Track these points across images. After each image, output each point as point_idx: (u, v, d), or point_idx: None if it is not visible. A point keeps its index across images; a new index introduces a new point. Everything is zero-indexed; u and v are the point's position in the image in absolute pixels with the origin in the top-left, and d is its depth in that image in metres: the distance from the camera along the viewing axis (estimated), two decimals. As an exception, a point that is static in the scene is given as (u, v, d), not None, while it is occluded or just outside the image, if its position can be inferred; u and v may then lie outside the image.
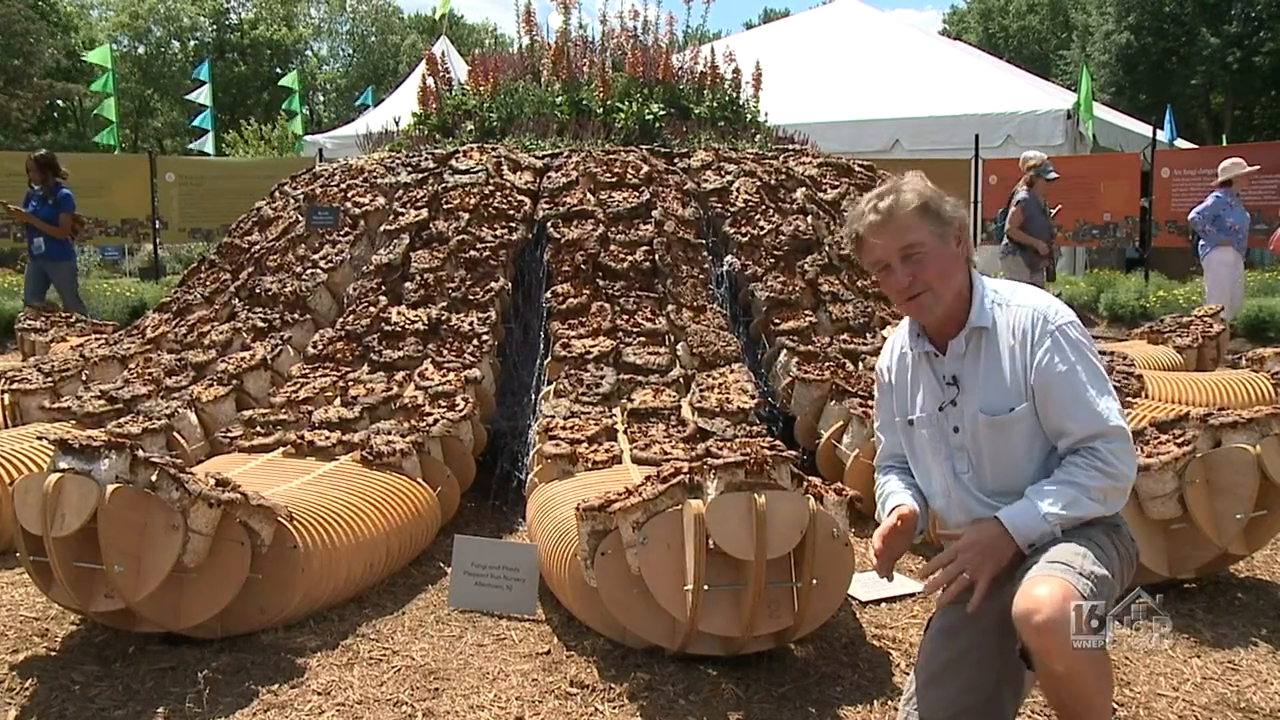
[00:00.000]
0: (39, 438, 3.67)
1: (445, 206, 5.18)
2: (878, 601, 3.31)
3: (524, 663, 2.86)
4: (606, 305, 4.76)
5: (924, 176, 2.19)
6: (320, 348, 4.74)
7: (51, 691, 2.68)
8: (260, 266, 5.44)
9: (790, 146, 6.39)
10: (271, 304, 5.13)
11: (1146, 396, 4.68)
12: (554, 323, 4.69)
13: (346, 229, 5.31)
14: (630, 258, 4.93)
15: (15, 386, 4.68)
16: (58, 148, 30.87)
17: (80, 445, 2.75)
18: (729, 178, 5.44)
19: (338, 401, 4.33)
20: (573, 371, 4.39)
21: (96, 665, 2.82)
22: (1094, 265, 14.29)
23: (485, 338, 4.59)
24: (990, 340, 2.13)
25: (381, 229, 5.21)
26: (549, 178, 5.36)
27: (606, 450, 3.74)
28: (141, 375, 4.85)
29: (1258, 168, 9.24)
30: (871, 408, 4.19)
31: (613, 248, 4.97)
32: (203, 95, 17.90)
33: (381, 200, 5.36)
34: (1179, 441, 3.19)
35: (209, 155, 17.84)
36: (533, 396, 4.55)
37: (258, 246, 5.60)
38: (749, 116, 6.65)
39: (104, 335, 6.39)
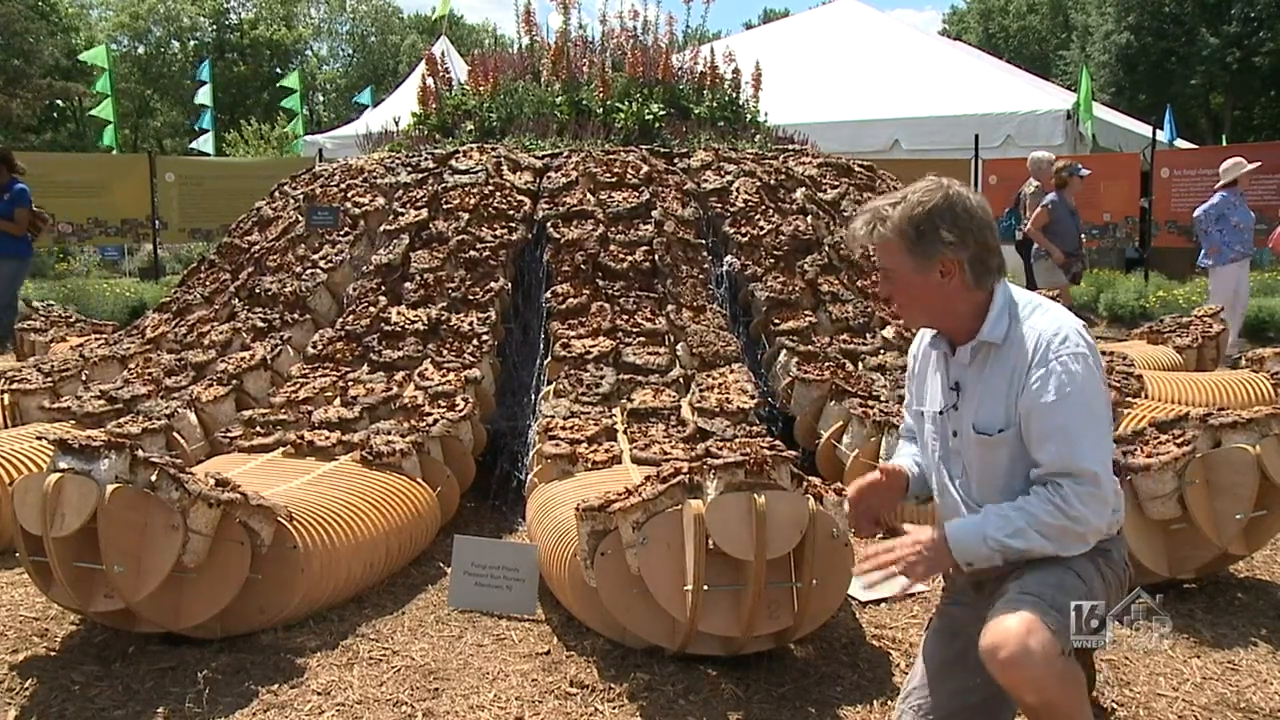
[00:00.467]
0: (39, 438, 3.67)
1: (445, 206, 5.18)
2: (877, 601, 3.31)
3: (524, 663, 2.86)
4: (606, 305, 4.76)
5: (944, 187, 2.09)
6: (320, 348, 4.73)
7: (51, 691, 2.68)
8: (260, 266, 5.44)
9: (790, 146, 6.39)
10: (271, 304, 5.13)
11: (1146, 396, 4.68)
12: (554, 323, 4.69)
13: (346, 229, 5.31)
14: (630, 258, 4.93)
15: (15, 386, 4.68)
16: (57, 147, 30.98)
17: (80, 445, 2.75)
18: (729, 178, 5.44)
19: (337, 401, 4.33)
20: (572, 371, 4.39)
21: (96, 665, 2.82)
22: (1094, 265, 14.27)
23: (485, 338, 4.59)
24: (997, 356, 2.09)
25: (381, 229, 5.21)
26: (549, 178, 5.36)
27: (606, 450, 3.75)
28: (141, 375, 4.85)
29: (1259, 164, 9.23)
30: (871, 408, 4.20)
31: (612, 248, 4.97)
32: (203, 95, 17.90)
33: (381, 200, 5.36)
34: (1179, 441, 3.19)
35: (209, 155, 17.85)
36: (532, 396, 4.55)
37: (257, 246, 5.60)
38: (749, 116, 6.65)
39: (104, 335, 6.40)
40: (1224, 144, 20.84)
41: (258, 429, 4.18)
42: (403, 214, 5.19)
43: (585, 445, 3.79)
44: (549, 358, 4.56)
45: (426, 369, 4.44)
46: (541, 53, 6.58)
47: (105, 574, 2.69)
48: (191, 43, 42.60)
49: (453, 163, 5.44)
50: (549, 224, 5.08)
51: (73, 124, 35.37)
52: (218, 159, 18.27)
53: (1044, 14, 43.16)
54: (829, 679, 2.75)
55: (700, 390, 4.33)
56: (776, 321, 4.82)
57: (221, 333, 5.06)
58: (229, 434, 4.20)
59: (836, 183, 5.79)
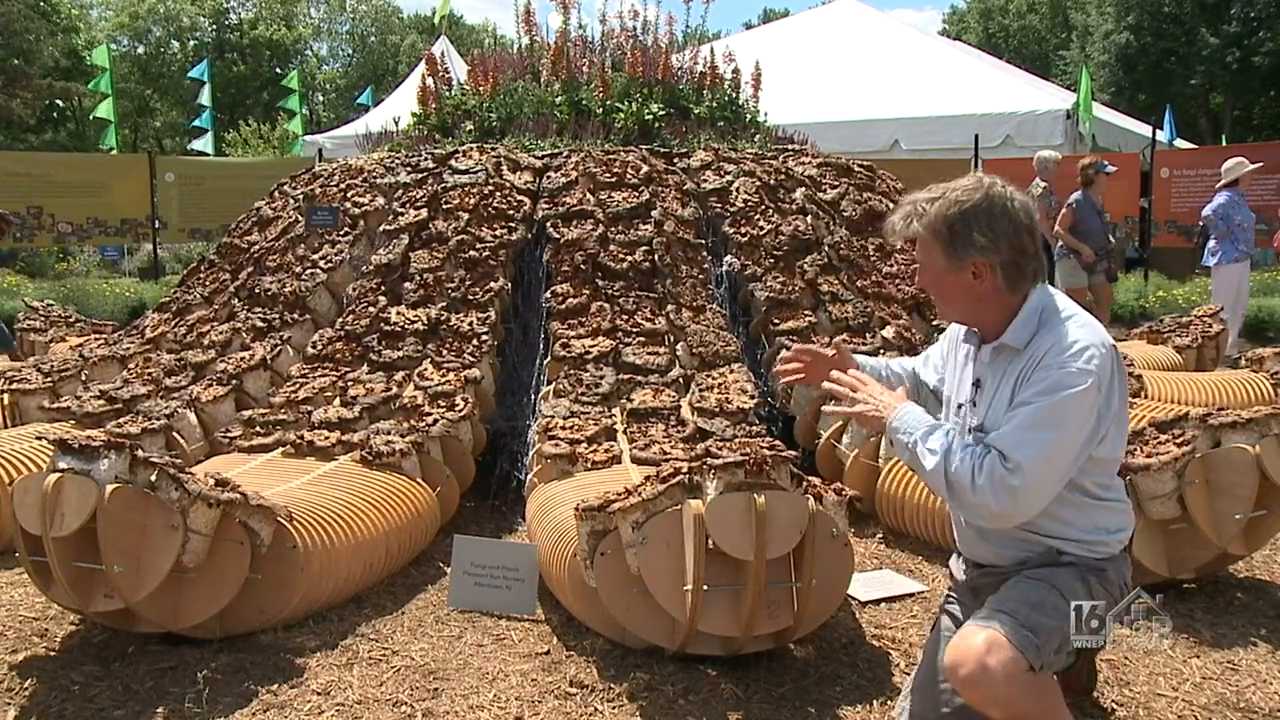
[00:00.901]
0: (38, 437, 3.67)
1: (445, 206, 5.18)
2: (877, 601, 3.31)
3: (523, 663, 2.86)
4: (606, 305, 4.76)
5: (985, 187, 2.07)
6: (320, 348, 4.73)
7: (51, 691, 2.68)
8: (260, 266, 5.44)
9: (790, 146, 6.39)
10: (271, 304, 5.13)
11: (1146, 396, 4.68)
12: (553, 323, 4.69)
13: (346, 229, 5.31)
14: (630, 258, 4.93)
15: (15, 386, 4.68)
16: (57, 147, 30.95)
17: (79, 445, 2.75)
18: (728, 178, 5.44)
19: (337, 401, 4.33)
20: (572, 371, 4.39)
21: (96, 665, 2.82)
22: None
23: (485, 338, 4.59)
24: (1015, 360, 2.09)
25: (381, 229, 5.21)
26: (548, 178, 5.36)
27: (606, 450, 3.74)
28: (141, 375, 4.85)
29: (1260, 165, 9.24)
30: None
31: (612, 248, 4.97)
32: (202, 95, 17.90)
33: (381, 200, 5.36)
34: (1178, 441, 3.19)
35: (208, 155, 17.85)
36: (532, 396, 4.55)
37: (257, 246, 5.60)
38: (748, 116, 6.65)
39: (103, 335, 6.40)
40: (1224, 144, 20.84)
41: (257, 429, 4.18)
42: (402, 214, 5.19)
43: (585, 445, 3.79)
44: (549, 358, 4.56)
45: (426, 369, 4.44)
46: (541, 53, 6.58)
47: (105, 574, 2.69)
48: (191, 43, 42.57)
49: (452, 163, 5.44)
50: (549, 224, 5.08)
51: (72, 124, 35.35)
52: (217, 159, 18.28)
53: (1044, 14, 43.14)
54: (829, 679, 2.75)
55: (700, 390, 4.33)
56: (776, 321, 4.82)
57: (221, 333, 5.06)
58: (229, 434, 4.20)
59: (836, 183, 5.79)
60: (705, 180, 5.45)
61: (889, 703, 2.59)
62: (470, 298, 4.79)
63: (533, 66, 6.55)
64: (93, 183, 12.80)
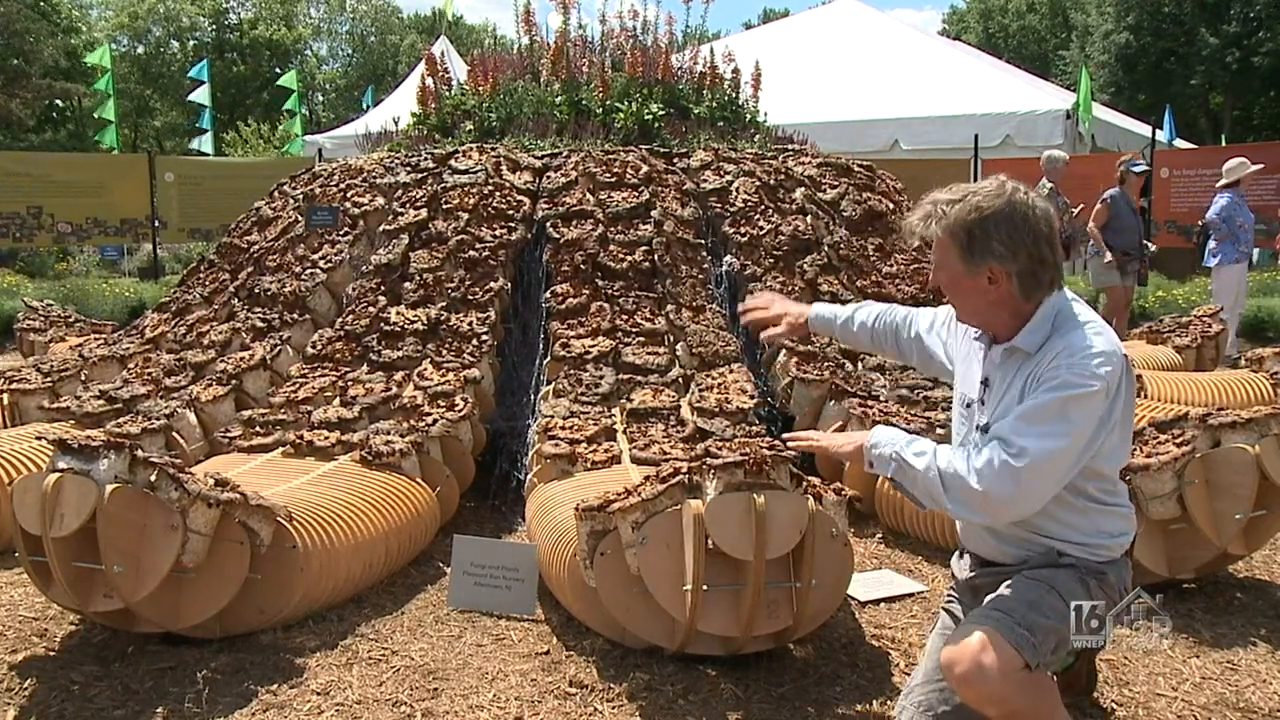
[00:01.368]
0: (38, 437, 3.67)
1: (444, 206, 5.18)
2: (877, 601, 3.31)
3: (523, 663, 2.86)
4: (606, 305, 4.76)
5: (1007, 194, 2.05)
6: (319, 348, 4.74)
7: (50, 691, 2.68)
8: (259, 266, 5.44)
9: (789, 146, 6.39)
10: (271, 304, 5.13)
11: (1145, 396, 4.68)
12: (553, 323, 4.69)
13: (346, 229, 5.31)
14: (629, 258, 4.93)
15: (14, 386, 4.68)
16: (57, 147, 30.93)
17: (79, 445, 2.75)
18: (728, 178, 5.44)
19: (337, 401, 4.33)
20: (572, 371, 4.39)
21: (95, 665, 2.82)
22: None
23: (484, 338, 4.59)
24: (1026, 364, 2.08)
25: (381, 229, 5.21)
26: (548, 178, 5.36)
27: (606, 450, 3.74)
28: (140, 375, 4.85)
29: (1261, 166, 9.24)
30: (870, 407, 4.20)
31: (612, 248, 4.97)
32: (202, 95, 17.90)
33: (381, 200, 5.36)
34: (1178, 441, 3.19)
35: (208, 155, 17.84)
36: (532, 396, 4.55)
37: (257, 246, 5.60)
38: (748, 116, 6.65)
39: (103, 335, 6.39)
40: (1223, 144, 20.85)
41: (257, 429, 4.18)
42: (402, 214, 5.19)
43: (585, 445, 3.79)
44: (548, 358, 4.56)
45: (426, 369, 4.44)
46: (541, 53, 6.58)
47: (104, 574, 2.69)
48: (191, 42, 42.57)
49: (452, 163, 5.44)
50: (548, 224, 5.08)
51: (72, 124, 35.35)
52: (217, 159, 18.28)
53: (1043, 14, 43.15)
54: (828, 679, 2.75)
55: (700, 390, 4.33)
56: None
57: (221, 333, 5.06)
58: (228, 434, 4.20)
59: (836, 183, 5.79)
60: (705, 180, 5.46)
61: (889, 703, 2.59)
62: (470, 298, 4.79)
63: (532, 66, 6.55)
64: (92, 183, 12.81)
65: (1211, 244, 8.62)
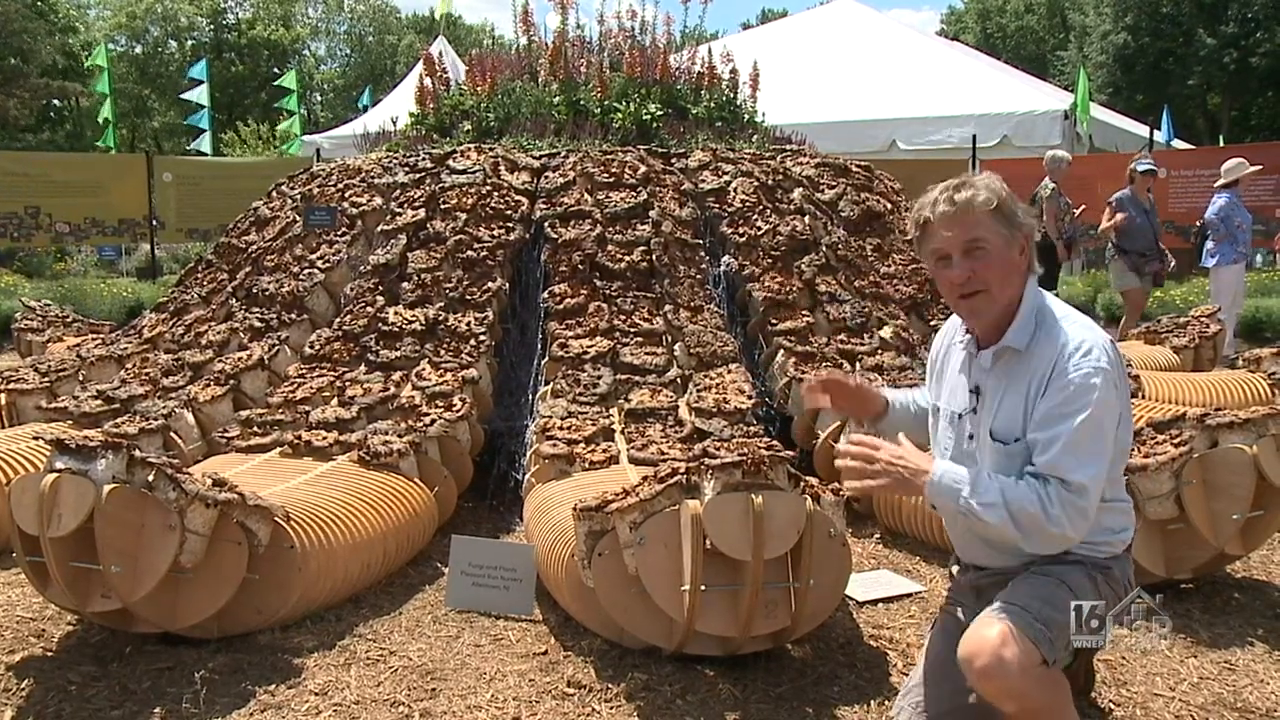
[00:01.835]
0: (35, 438, 3.66)
1: (442, 207, 5.18)
2: (875, 602, 3.31)
3: (521, 663, 2.86)
4: (604, 305, 4.76)
5: (999, 178, 2.14)
6: (317, 348, 4.73)
7: (48, 692, 2.67)
8: (257, 266, 5.43)
9: (788, 147, 6.39)
10: (269, 304, 5.13)
11: (1143, 397, 4.68)
12: (551, 323, 4.69)
13: (344, 229, 5.31)
14: (628, 258, 4.93)
15: (12, 386, 4.67)
16: (54, 147, 30.91)
17: (77, 445, 2.74)
18: (726, 178, 5.45)
19: (335, 402, 4.33)
20: (570, 372, 4.39)
21: (93, 665, 2.82)
22: (1091, 265, 14.31)
23: (482, 338, 4.58)
24: (1019, 364, 2.08)
25: (379, 229, 5.20)
26: (546, 178, 5.36)
27: (604, 450, 3.74)
28: (138, 375, 4.85)
29: (1260, 166, 9.25)
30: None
31: (610, 248, 4.97)
32: (200, 95, 17.89)
33: (379, 200, 5.36)
34: (1176, 442, 3.19)
35: (206, 155, 17.83)
36: (530, 397, 4.55)
37: (255, 246, 5.60)
38: (746, 117, 6.65)
39: (101, 335, 6.39)
40: (1221, 144, 20.88)
41: (255, 429, 4.18)
42: (400, 214, 5.19)
43: (583, 445, 3.79)
44: (546, 358, 4.56)
45: (424, 369, 4.44)
46: (539, 53, 6.58)
47: (102, 574, 2.69)
48: (189, 42, 42.54)
49: (450, 163, 5.44)
50: (546, 224, 5.08)
51: (70, 124, 35.31)
52: (215, 159, 18.26)
53: (1041, 14, 43.19)
54: (826, 679, 2.75)
55: (698, 390, 4.33)
56: (774, 321, 4.82)
57: (219, 333, 5.06)
58: (226, 434, 4.19)
59: (834, 183, 5.79)
60: (703, 180, 5.45)
61: (886, 703, 2.60)
62: (468, 298, 4.79)
63: (531, 67, 6.54)
64: (90, 183, 12.81)
65: (1209, 244, 8.63)
